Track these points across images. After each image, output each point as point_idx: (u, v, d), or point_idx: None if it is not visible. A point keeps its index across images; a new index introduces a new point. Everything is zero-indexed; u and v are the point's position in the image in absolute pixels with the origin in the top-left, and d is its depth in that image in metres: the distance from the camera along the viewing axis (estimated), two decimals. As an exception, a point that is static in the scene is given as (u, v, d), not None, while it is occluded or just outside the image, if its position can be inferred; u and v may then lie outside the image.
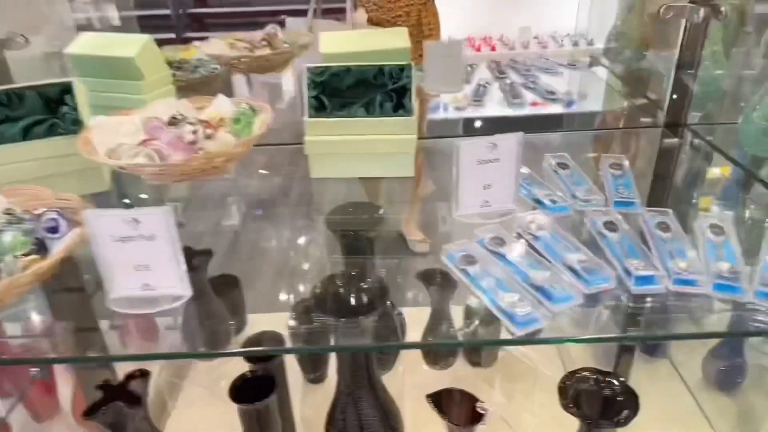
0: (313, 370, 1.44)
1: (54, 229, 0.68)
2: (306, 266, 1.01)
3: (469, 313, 1.36)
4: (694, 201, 1.01)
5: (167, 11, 3.61)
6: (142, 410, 0.94)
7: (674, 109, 1.04)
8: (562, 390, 1.00)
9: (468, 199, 0.75)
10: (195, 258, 1.17)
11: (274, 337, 1.28)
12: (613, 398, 0.99)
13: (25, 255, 0.62)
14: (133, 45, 0.99)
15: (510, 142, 0.72)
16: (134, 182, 0.91)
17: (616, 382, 0.98)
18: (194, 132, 0.69)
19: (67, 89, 0.85)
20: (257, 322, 1.37)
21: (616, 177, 0.82)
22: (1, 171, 0.81)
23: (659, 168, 0.99)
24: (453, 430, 1.01)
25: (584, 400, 1.03)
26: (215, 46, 1.18)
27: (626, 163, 0.85)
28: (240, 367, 1.12)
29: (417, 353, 1.37)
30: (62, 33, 1.21)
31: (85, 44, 1.02)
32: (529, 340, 0.57)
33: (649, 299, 0.63)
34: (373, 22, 1.90)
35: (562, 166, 0.86)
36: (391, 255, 0.98)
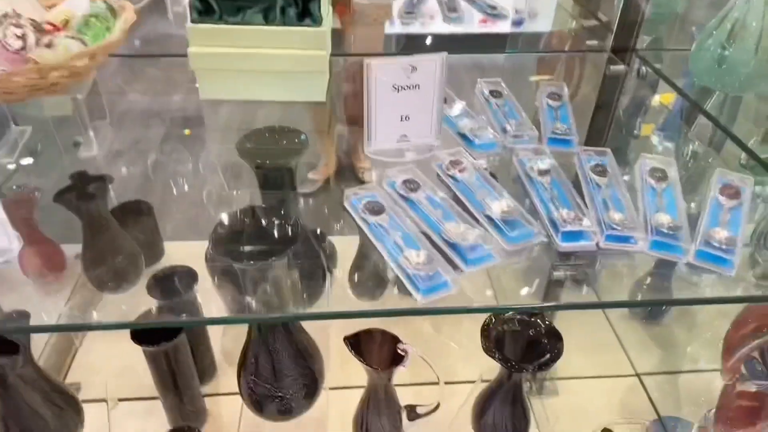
0: (234, 302, 1.35)
1: None
2: (219, 197, 0.88)
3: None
4: (636, 134, 0.92)
5: None
6: (22, 358, 0.83)
7: (623, 32, 0.92)
8: (485, 332, 0.94)
9: (382, 131, 0.63)
10: (91, 184, 1.02)
11: (187, 272, 1.16)
12: (538, 341, 0.95)
13: None
14: None
15: (432, 64, 0.59)
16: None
17: (541, 324, 0.93)
18: (21, 36, 0.52)
19: None
20: (175, 252, 1.24)
21: (553, 109, 0.71)
22: None
23: (602, 98, 0.89)
24: (371, 372, 0.95)
25: (508, 343, 0.98)
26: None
27: (566, 91, 0.74)
28: (149, 301, 1.00)
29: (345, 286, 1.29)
30: None
31: None
32: (434, 309, 0.47)
33: (577, 257, 0.54)
34: None
35: (495, 94, 0.75)
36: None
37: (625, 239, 0.53)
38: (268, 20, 0.68)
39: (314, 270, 1.01)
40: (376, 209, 0.55)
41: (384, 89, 0.60)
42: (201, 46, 0.68)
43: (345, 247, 0.65)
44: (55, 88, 0.55)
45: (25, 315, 0.87)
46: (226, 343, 1.30)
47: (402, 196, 0.57)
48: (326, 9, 0.70)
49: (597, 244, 0.53)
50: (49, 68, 0.52)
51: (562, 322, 1.26)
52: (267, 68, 0.70)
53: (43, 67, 0.52)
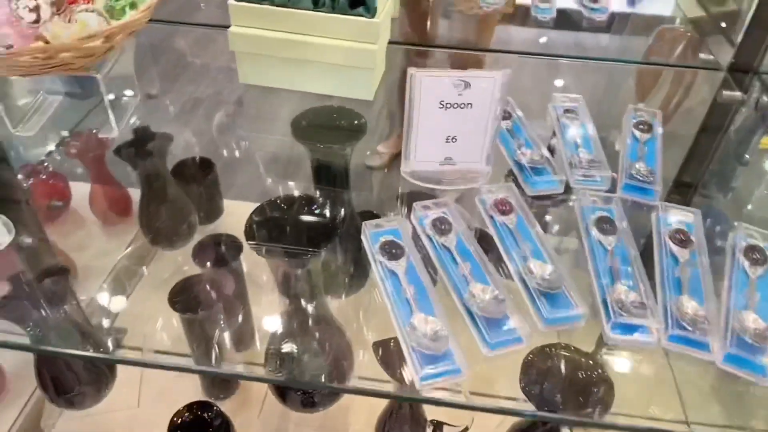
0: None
1: None
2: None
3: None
4: (737, 190, 0.73)
5: None
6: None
7: (747, 48, 0.74)
8: (526, 368, 0.85)
9: (423, 151, 0.53)
10: (153, 141, 1.01)
11: (232, 242, 1.13)
12: (587, 385, 0.84)
13: None
14: None
15: (489, 82, 0.48)
16: None
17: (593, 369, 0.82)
18: (35, 8, 0.46)
19: None
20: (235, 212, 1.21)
21: (639, 142, 0.58)
22: None
23: (704, 133, 0.71)
24: (398, 385, 0.89)
25: (550, 381, 0.88)
26: None
27: (658, 122, 0.60)
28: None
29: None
30: None
31: None
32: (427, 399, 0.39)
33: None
34: None
35: (571, 114, 0.62)
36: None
37: (697, 344, 0.41)
38: (317, 5, 0.58)
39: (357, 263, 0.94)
40: (394, 252, 0.46)
41: (430, 105, 0.49)
42: (243, 26, 0.60)
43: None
44: (71, 66, 0.49)
45: (63, 270, 0.87)
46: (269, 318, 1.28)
47: (430, 238, 0.48)
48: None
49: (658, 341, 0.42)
50: (57, 49, 0.47)
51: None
52: (312, 58, 0.61)
53: (50, 47, 0.47)
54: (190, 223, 1.24)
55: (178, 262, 1.08)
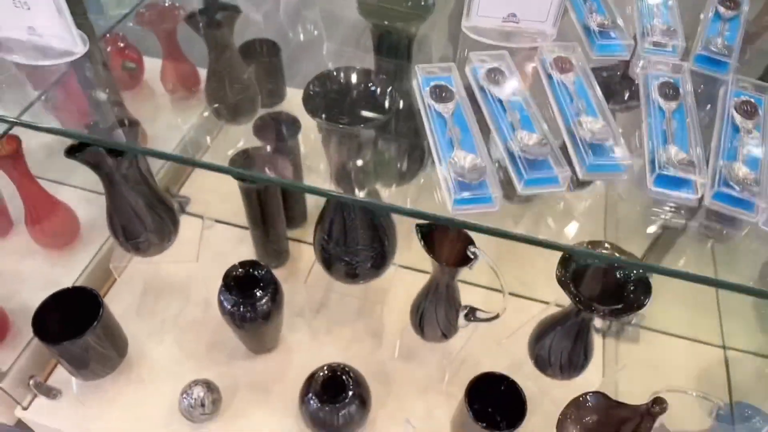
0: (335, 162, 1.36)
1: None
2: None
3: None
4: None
5: None
6: (127, 161, 0.91)
7: None
8: (564, 262, 0.87)
9: (486, 5, 0.52)
10: (219, 12, 1.04)
11: (290, 119, 1.18)
12: (624, 285, 0.86)
13: None
14: None
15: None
16: None
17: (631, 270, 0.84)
18: None
19: None
20: (295, 98, 1.26)
21: (721, 19, 0.55)
22: None
23: None
24: (436, 266, 0.94)
25: (589, 279, 0.90)
26: None
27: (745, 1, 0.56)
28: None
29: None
30: None
31: None
32: (461, 223, 0.41)
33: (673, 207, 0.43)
34: None
35: (653, -16, 0.59)
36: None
37: (742, 203, 0.41)
38: None
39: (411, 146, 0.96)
40: (443, 95, 0.47)
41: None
42: None
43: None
44: None
45: (135, 123, 0.94)
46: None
47: (482, 88, 0.48)
48: None
49: (700, 200, 0.42)
50: None
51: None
52: None
53: None
54: (254, 100, 1.29)
55: (241, 136, 1.14)
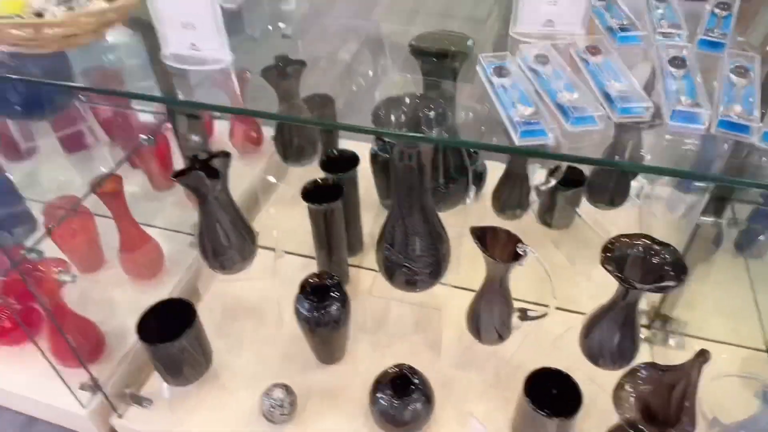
0: (388, 195, 1.53)
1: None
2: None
3: (551, 172, 1.33)
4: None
5: None
6: (220, 183, 1.07)
7: None
8: (606, 249, 0.98)
9: (529, 14, 0.69)
10: (288, 66, 1.23)
11: (350, 155, 1.36)
12: (661, 268, 0.96)
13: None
14: None
15: (586, -51, 0.64)
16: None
17: (667, 254, 0.94)
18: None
19: None
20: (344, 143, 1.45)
21: (716, 16, 0.70)
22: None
23: None
24: (489, 263, 1.05)
25: (630, 267, 1.00)
26: None
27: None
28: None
29: (488, 200, 1.39)
30: None
31: None
32: (525, 149, 0.55)
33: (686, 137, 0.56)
34: None
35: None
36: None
37: (741, 128, 0.54)
38: None
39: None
40: (503, 73, 0.62)
41: (536, -29, 0.66)
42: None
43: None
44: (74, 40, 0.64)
45: (225, 154, 1.11)
46: (375, 229, 1.50)
47: (531, 69, 0.64)
48: None
49: (708, 128, 0.55)
50: (43, 25, 0.60)
51: (702, 284, 1.23)
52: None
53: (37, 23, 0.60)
54: (315, 143, 1.49)
55: (306, 174, 1.31)
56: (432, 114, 0.81)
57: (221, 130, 1.75)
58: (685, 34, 0.67)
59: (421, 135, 0.71)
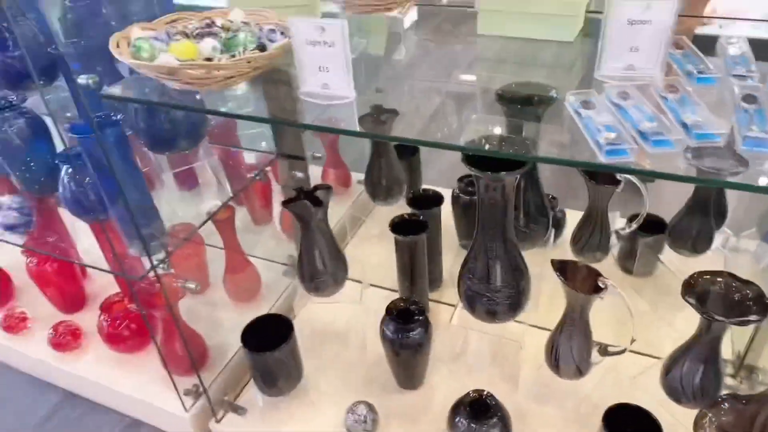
0: (467, 236, 1.63)
1: (272, 38, 0.91)
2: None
3: (631, 218, 1.39)
4: None
5: None
6: (321, 211, 1.21)
7: None
8: (687, 284, 1.02)
9: (612, 59, 0.80)
10: (382, 114, 1.38)
11: (434, 194, 1.48)
12: (742, 302, 0.99)
13: (252, 50, 0.86)
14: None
15: (664, 5, 0.74)
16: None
17: (748, 289, 0.98)
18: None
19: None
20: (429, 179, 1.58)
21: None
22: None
23: None
24: (570, 294, 1.11)
25: (711, 302, 1.03)
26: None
27: None
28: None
29: (567, 246, 1.45)
30: None
31: None
32: (611, 166, 0.63)
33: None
34: None
35: (733, 43, 0.84)
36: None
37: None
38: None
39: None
40: (588, 106, 0.72)
41: (619, 21, 0.76)
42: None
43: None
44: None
45: (327, 187, 1.26)
46: (454, 267, 1.60)
47: (614, 103, 0.74)
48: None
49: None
50: (212, 67, 0.79)
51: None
52: (534, 10, 0.92)
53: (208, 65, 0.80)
54: (401, 184, 1.63)
55: (391, 213, 1.43)
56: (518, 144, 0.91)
57: (314, 174, 1.93)
58: (757, 76, 0.75)
59: (512, 153, 0.80)
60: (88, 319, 1.50)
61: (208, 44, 0.83)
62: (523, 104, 1.03)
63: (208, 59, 0.81)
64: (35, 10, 1.28)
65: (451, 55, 1.09)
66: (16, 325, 1.48)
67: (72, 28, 1.18)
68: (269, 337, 1.22)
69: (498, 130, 1.02)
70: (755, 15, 3.21)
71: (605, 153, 0.65)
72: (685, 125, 0.68)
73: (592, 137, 0.68)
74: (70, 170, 1.16)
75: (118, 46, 0.85)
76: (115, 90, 0.94)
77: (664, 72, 0.79)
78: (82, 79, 0.86)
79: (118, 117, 1.02)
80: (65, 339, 1.43)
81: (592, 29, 0.94)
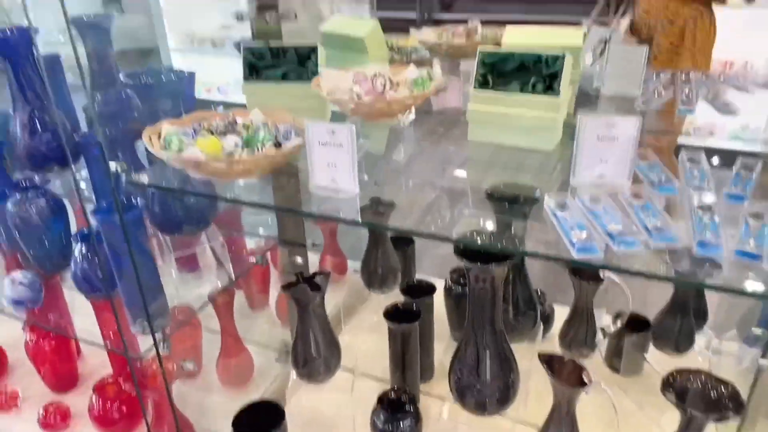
0: (458, 328, 1.70)
1: (287, 136, 1.03)
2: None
3: (616, 316, 1.47)
4: None
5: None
6: (319, 296, 1.29)
7: None
8: (666, 382, 1.09)
9: (585, 169, 0.92)
10: (380, 206, 1.50)
11: (428, 285, 1.57)
12: (719, 400, 1.06)
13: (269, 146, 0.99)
14: (365, 27, 1.35)
15: (628, 124, 0.88)
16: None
17: (724, 387, 1.05)
18: (383, 84, 0.99)
19: (314, 50, 1.24)
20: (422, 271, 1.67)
21: (741, 176, 0.90)
22: (264, 99, 1.22)
23: None
24: (556, 388, 1.17)
25: (690, 400, 1.10)
26: (427, 33, 1.49)
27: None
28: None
29: (556, 340, 1.52)
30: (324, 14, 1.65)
31: (333, 23, 1.41)
32: (582, 261, 0.73)
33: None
34: (638, 26, 1.94)
35: (694, 161, 0.97)
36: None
37: (754, 257, 0.71)
38: (522, 91, 1.05)
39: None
40: (563, 208, 0.83)
41: (589, 137, 0.89)
42: (477, 104, 1.08)
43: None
44: (392, 112, 0.97)
45: (326, 273, 1.34)
46: (445, 359, 1.65)
47: (586, 207, 0.85)
48: (567, 85, 1.04)
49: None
50: (393, 102, 0.97)
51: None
52: (517, 123, 1.06)
53: (390, 101, 0.97)
54: (396, 274, 1.73)
55: (385, 301, 1.51)
56: (504, 238, 1.01)
57: (313, 261, 2.02)
58: (713, 187, 0.87)
59: (499, 246, 0.90)
60: (79, 399, 1.53)
61: (231, 140, 0.95)
62: (510, 203, 1.15)
63: (230, 154, 0.93)
64: (63, 99, 1.43)
65: (444, 157, 1.22)
66: (6, 402, 1.51)
67: (100, 118, 1.32)
68: (261, 423, 1.25)
69: (487, 225, 1.13)
70: (733, 127, 3.51)
71: (577, 250, 0.75)
72: (647, 229, 0.78)
73: (567, 236, 0.78)
74: (83, 249, 1.25)
75: (150, 139, 0.97)
76: (143, 177, 1.05)
77: (631, 180, 0.91)
78: (112, 166, 0.97)
79: (138, 201, 1.13)
80: (54, 420, 1.45)
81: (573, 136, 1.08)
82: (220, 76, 4.12)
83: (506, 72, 1.06)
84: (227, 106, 1.28)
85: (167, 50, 4.35)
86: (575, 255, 0.75)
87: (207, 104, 1.33)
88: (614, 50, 1.27)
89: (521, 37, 1.17)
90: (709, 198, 0.82)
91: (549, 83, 1.02)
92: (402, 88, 1.04)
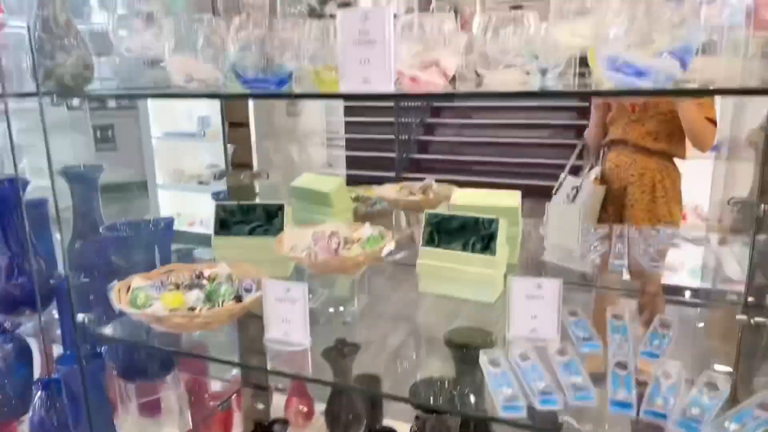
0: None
1: (249, 290, 1.14)
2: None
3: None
4: None
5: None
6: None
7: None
8: None
9: (518, 326, 1.02)
10: (345, 347, 1.56)
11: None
12: None
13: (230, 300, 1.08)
14: (331, 184, 1.51)
15: (553, 284, 0.99)
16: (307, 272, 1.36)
17: None
18: (337, 243, 1.12)
19: (281, 208, 1.38)
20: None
21: (658, 334, 1.01)
22: (232, 252, 1.34)
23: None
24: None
25: None
26: (387, 189, 1.66)
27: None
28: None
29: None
30: (293, 172, 1.82)
31: (303, 180, 1.57)
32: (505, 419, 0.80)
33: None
34: (608, 177, 2.11)
35: (617, 317, 1.07)
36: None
37: (661, 416, 0.79)
38: (464, 249, 1.18)
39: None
40: (495, 364, 0.92)
41: (518, 296, 1.00)
42: (425, 260, 1.21)
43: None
44: (348, 269, 1.10)
45: (284, 421, 1.37)
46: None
47: (516, 363, 0.94)
48: (503, 245, 1.17)
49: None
50: (346, 260, 1.09)
51: None
52: (460, 277, 1.17)
53: (344, 259, 1.09)
54: (361, 418, 1.75)
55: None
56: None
57: (278, 403, 2.02)
58: (631, 348, 0.97)
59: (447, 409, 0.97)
60: None
61: (194, 295, 1.05)
62: (467, 349, 1.23)
63: (191, 309, 1.02)
64: (45, 240, 1.52)
65: (397, 307, 1.32)
66: None
67: (77, 265, 1.41)
68: None
69: (436, 375, 1.21)
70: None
71: (502, 408, 0.83)
72: (569, 385, 0.87)
73: (496, 394, 0.86)
74: (43, 395, 1.29)
75: (119, 293, 1.06)
76: (108, 330, 1.13)
77: (560, 335, 1.00)
78: (80, 317, 1.05)
79: (103, 350, 1.19)
80: None
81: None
82: (203, 210, 4.32)
83: (451, 230, 1.20)
84: (205, 239, 1.41)
85: (155, 185, 4.58)
86: (501, 413, 0.82)
87: (188, 237, 1.44)
88: (553, 209, 1.43)
89: (467, 198, 1.33)
90: (626, 356, 0.92)
91: (486, 243, 1.16)
92: (356, 246, 1.16)
